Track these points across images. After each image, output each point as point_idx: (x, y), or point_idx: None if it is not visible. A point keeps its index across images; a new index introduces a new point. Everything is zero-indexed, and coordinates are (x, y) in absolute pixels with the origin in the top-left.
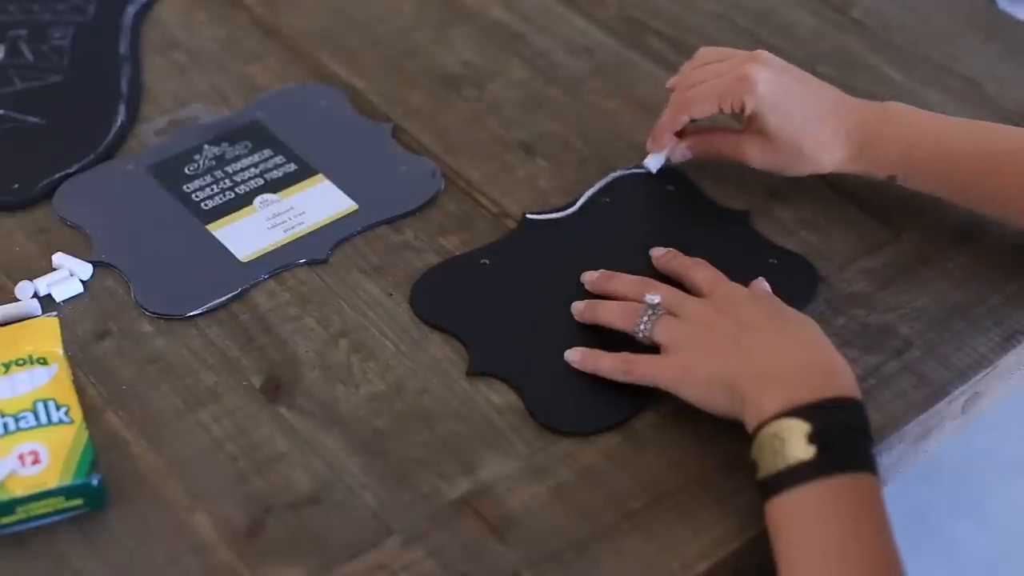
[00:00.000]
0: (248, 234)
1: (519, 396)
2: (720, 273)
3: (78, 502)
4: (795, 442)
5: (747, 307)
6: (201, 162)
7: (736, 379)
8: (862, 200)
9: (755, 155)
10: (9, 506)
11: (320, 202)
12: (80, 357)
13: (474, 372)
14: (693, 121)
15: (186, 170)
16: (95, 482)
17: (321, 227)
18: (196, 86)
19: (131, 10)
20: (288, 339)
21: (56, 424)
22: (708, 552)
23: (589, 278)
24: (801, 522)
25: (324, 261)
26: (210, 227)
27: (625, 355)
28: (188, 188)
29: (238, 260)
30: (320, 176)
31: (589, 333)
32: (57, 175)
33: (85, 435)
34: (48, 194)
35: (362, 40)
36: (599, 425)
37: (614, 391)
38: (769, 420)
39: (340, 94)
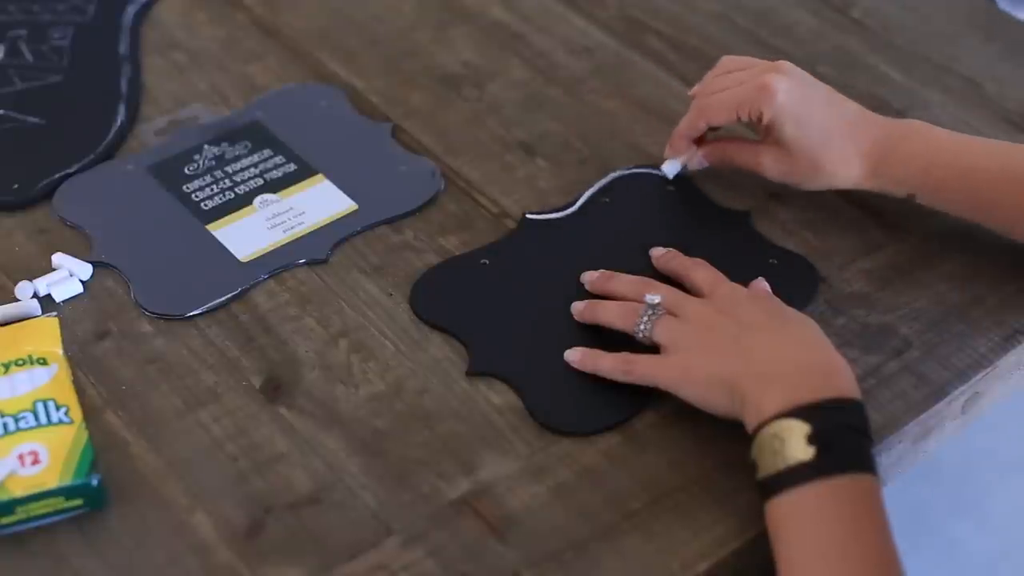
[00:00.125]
0: (248, 234)
1: (519, 396)
2: (720, 273)
3: (78, 502)
4: (795, 443)
5: (747, 307)
6: (201, 162)
7: (736, 379)
8: (862, 200)
9: (771, 166)
10: (9, 506)
11: (320, 202)
12: (80, 357)
13: (474, 372)
14: (713, 129)
15: (186, 170)
16: (95, 482)
17: (321, 227)
18: (196, 86)
19: (131, 10)
20: (288, 339)
21: (56, 424)
22: (708, 552)
23: (589, 278)
24: (801, 522)
25: (324, 261)
26: (210, 227)
27: (625, 355)
28: (188, 188)
29: (238, 260)
30: (320, 176)
31: (589, 333)
32: (57, 175)
33: (85, 435)
34: (48, 194)
35: (362, 40)
36: (599, 425)
37: (614, 391)
38: (769, 420)
39: (340, 94)
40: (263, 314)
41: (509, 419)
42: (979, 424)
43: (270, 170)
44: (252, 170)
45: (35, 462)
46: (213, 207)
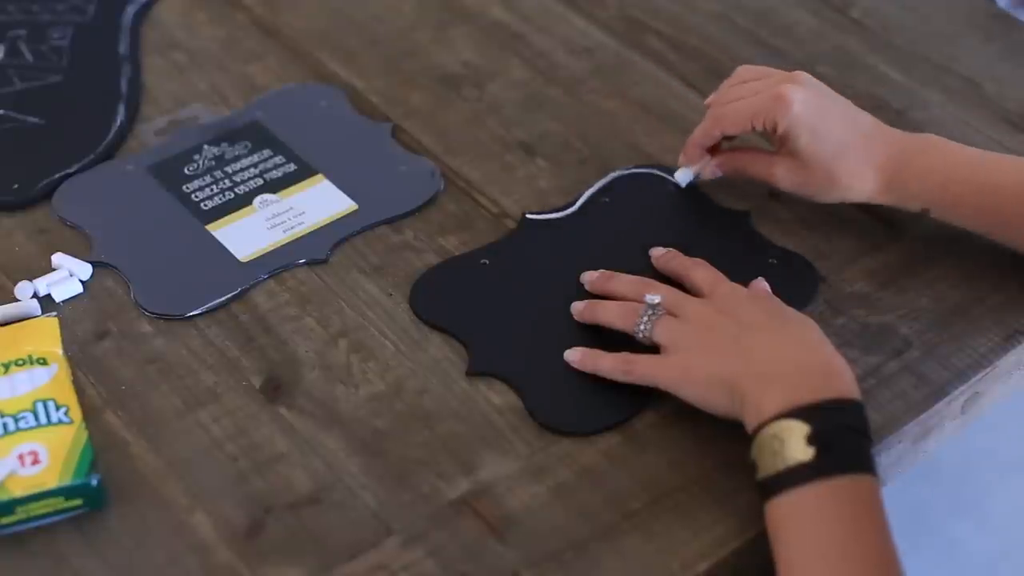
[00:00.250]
0: (248, 234)
1: (519, 396)
2: (720, 273)
3: (78, 502)
4: (794, 443)
5: (747, 307)
6: (201, 162)
7: (736, 379)
8: None
9: (785, 178)
10: (9, 506)
11: (320, 202)
12: (80, 357)
13: (474, 372)
14: (728, 139)
15: (186, 170)
16: (94, 482)
17: (321, 227)
18: (196, 86)
19: (131, 10)
20: (288, 339)
21: (56, 424)
22: (708, 552)
23: (589, 278)
24: (800, 523)
25: (324, 261)
26: (210, 227)
27: (625, 355)
28: (188, 188)
29: (238, 260)
30: (320, 176)
31: (589, 333)
32: (57, 175)
33: (85, 435)
34: (48, 194)
35: (362, 40)
36: (599, 425)
37: (614, 391)
38: (769, 421)
39: (340, 94)
40: (263, 314)
41: (509, 419)
42: (979, 424)
43: (270, 170)
44: (252, 170)
45: (35, 462)
46: (213, 207)
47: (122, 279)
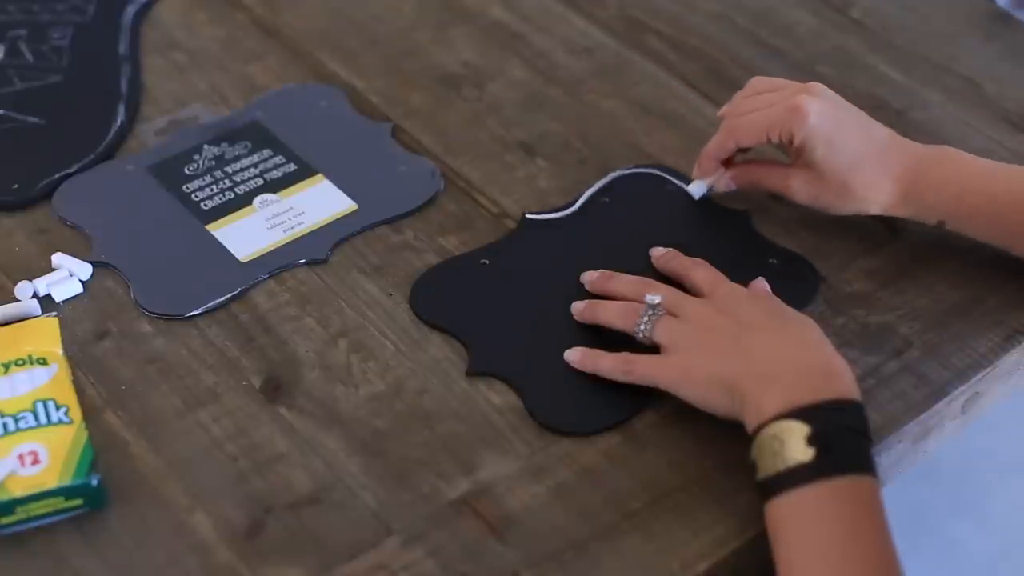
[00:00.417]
0: (248, 234)
1: (519, 396)
2: (720, 273)
3: (78, 502)
4: (794, 444)
5: (747, 307)
6: (201, 162)
7: (736, 379)
8: None
9: (801, 190)
10: (9, 506)
11: (320, 202)
12: (80, 357)
13: (474, 372)
14: (743, 151)
15: (186, 170)
16: (95, 482)
17: (321, 227)
18: (196, 86)
19: (131, 10)
20: (288, 339)
21: (56, 424)
22: (708, 552)
23: (589, 278)
24: (800, 523)
25: (324, 261)
26: (210, 227)
27: (625, 355)
28: (188, 188)
29: (238, 260)
30: (320, 176)
31: (589, 333)
32: (57, 175)
33: (85, 435)
34: (48, 194)
35: (362, 40)
36: (599, 425)
37: (614, 391)
38: (769, 421)
39: (340, 94)
40: (263, 314)
41: (509, 419)
42: (979, 424)
43: (270, 170)
44: (252, 170)
45: (35, 462)
46: (213, 207)
47: (122, 279)
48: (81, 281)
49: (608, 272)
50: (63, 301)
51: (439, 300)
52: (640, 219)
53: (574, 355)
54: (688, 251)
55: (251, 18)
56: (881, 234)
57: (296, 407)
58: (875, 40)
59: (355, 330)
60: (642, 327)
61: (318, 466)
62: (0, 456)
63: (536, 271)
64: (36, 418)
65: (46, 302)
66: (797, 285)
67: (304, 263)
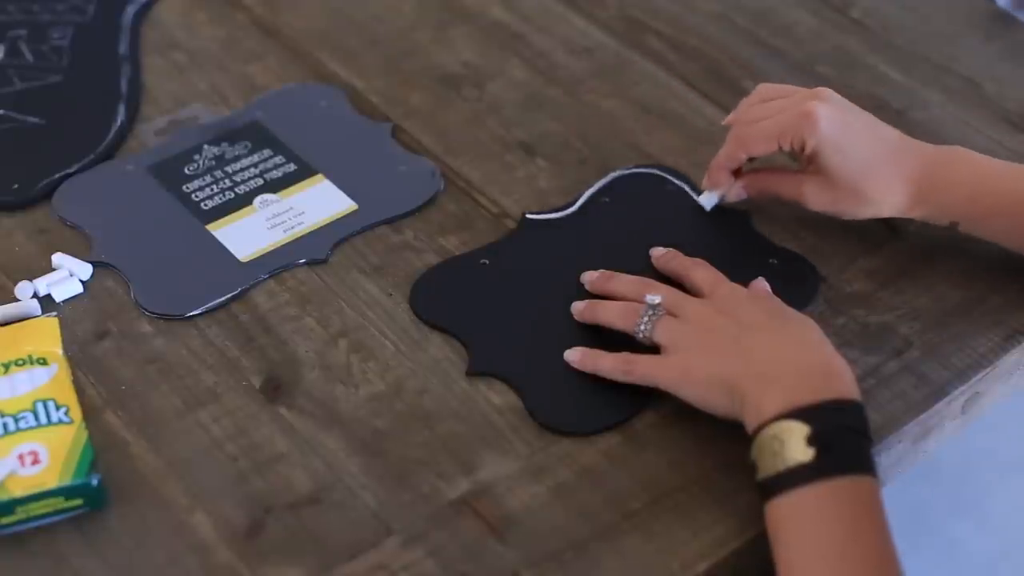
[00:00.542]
0: (248, 234)
1: (519, 396)
2: (720, 273)
3: (78, 502)
4: (794, 444)
5: (747, 307)
6: (201, 162)
7: (736, 380)
8: None
9: (814, 196)
10: (9, 506)
11: (320, 202)
12: (80, 357)
13: (474, 372)
14: (751, 160)
15: (186, 170)
16: (95, 482)
17: (321, 227)
18: (196, 86)
19: (131, 10)
20: (288, 339)
21: (56, 424)
22: (708, 552)
23: (589, 278)
24: (800, 524)
25: (324, 261)
26: (210, 227)
27: (625, 355)
28: (188, 188)
29: (238, 260)
30: (320, 176)
31: (589, 333)
32: (57, 175)
33: (85, 435)
34: (48, 194)
35: (362, 40)
36: (599, 425)
37: (614, 391)
38: (769, 422)
39: (340, 94)
40: (263, 314)
41: (509, 419)
42: (979, 424)
43: (270, 170)
44: (252, 170)
45: (35, 462)
46: (213, 207)
47: (122, 279)
48: (81, 281)
49: (608, 272)
50: (63, 301)
51: (439, 300)
52: (640, 219)
53: (574, 355)
54: (688, 251)
55: (251, 18)
56: (881, 234)
57: (296, 407)
58: (875, 40)
59: (355, 330)
60: (642, 327)
61: (318, 466)
62: (0, 456)
63: (536, 271)
64: (36, 418)
65: (46, 302)
66: (797, 285)
67: (304, 263)
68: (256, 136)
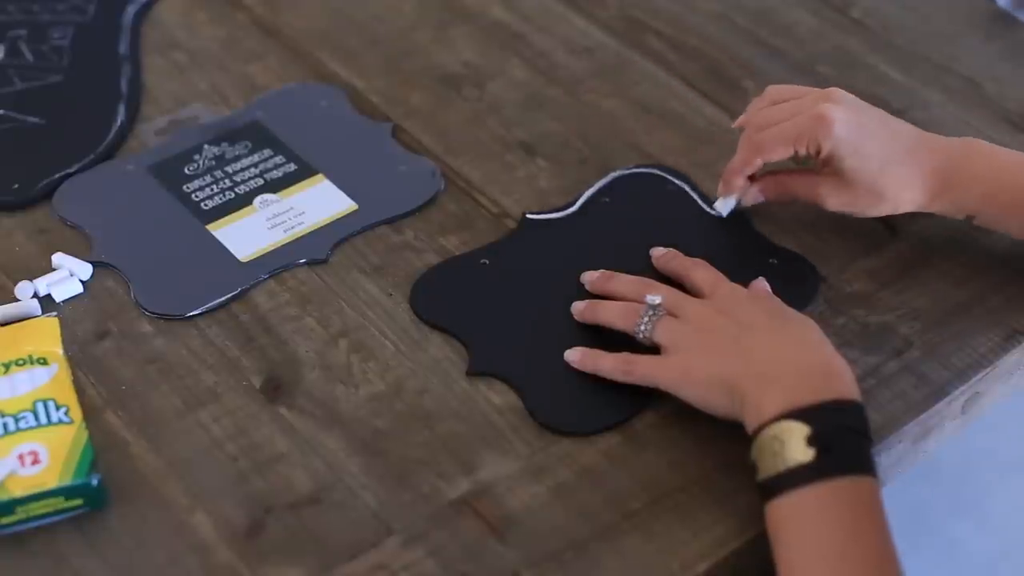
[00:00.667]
0: (248, 234)
1: (519, 396)
2: (720, 273)
3: (78, 502)
4: (795, 444)
5: (747, 307)
6: (201, 162)
7: (736, 380)
8: None
9: (831, 198)
10: (9, 506)
11: (320, 202)
12: (80, 357)
13: (474, 372)
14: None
15: (186, 170)
16: (95, 482)
17: (321, 227)
18: (196, 86)
19: (131, 10)
20: (288, 339)
21: (56, 424)
22: (708, 552)
23: (589, 278)
24: (800, 524)
25: (324, 261)
26: (210, 227)
27: (625, 355)
28: (188, 188)
29: (238, 260)
30: (320, 176)
31: (589, 333)
32: (57, 175)
33: (85, 435)
34: (48, 194)
35: (362, 40)
36: (599, 425)
37: (614, 391)
38: (769, 422)
39: (340, 94)
40: (263, 314)
41: (509, 419)
42: (979, 424)
43: (270, 170)
44: (252, 170)
45: (35, 462)
46: (213, 207)
47: (122, 279)
48: (81, 281)
49: (608, 272)
50: (63, 301)
51: (439, 300)
52: (640, 219)
53: (574, 355)
54: (688, 251)
55: (251, 18)
56: (881, 234)
57: (296, 407)
58: (875, 40)
59: (355, 330)
60: (642, 327)
61: (318, 466)
62: (0, 456)
63: (536, 271)
64: (36, 418)
65: (46, 302)
66: (797, 285)
67: (304, 263)
68: (256, 136)
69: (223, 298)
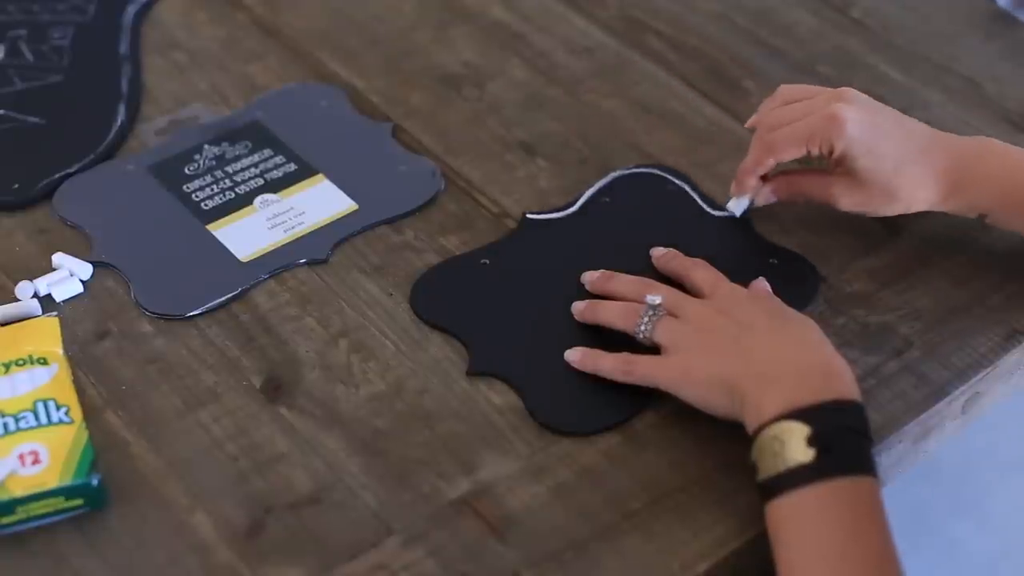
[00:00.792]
0: (248, 234)
1: (519, 396)
2: (720, 273)
3: (78, 502)
4: (795, 444)
5: (747, 307)
6: (201, 162)
7: (736, 380)
8: None
9: (844, 198)
10: (9, 506)
11: (320, 202)
12: (80, 357)
13: (474, 372)
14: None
15: (186, 170)
16: (95, 482)
17: (321, 227)
18: (196, 86)
19: (131, 10)
20: (288, 339)
21: (56, 424)
22: (708, 552)
23: (589, 278)
24: (801, 524)
25: (324, 261)
26: (210, 227)
27: (625, 355)
28: (188, 188)
29: (238, 260)
30: (320, 176)
31: (589, 333)
32: (57, 175)
33: (85, 435)
34: (48, 194)
35: (362, 40)
36: (599, 425)
37: (614, 391)
38: (769, 422)
39: (340, 94)
40: (263, 314)
41: (509, 419)
42: (979, 424)
43: (270, 170)
44: (252, 170)
45: (35, 462)
46: (213, 207)
47: (122, 279)
48: (81, 281)
49: (608, 272)
50: (63, 301)
51: (439, 300)
52: (640, 219)
53: (574, 355)
54: (688, 251)
55: (251, 18)
56: (881, 234)
57: (296, 407)
58: (875, 40)
59: (355, 330)
60: (642, 327)
61: (318, 466)
62: (0, 456)
63: (536, 271)
64: (36, 418)
65: (46, 302)
66: (797, 285)
67: (304, 263)
68: (256, 136)
69: (223, 298)
